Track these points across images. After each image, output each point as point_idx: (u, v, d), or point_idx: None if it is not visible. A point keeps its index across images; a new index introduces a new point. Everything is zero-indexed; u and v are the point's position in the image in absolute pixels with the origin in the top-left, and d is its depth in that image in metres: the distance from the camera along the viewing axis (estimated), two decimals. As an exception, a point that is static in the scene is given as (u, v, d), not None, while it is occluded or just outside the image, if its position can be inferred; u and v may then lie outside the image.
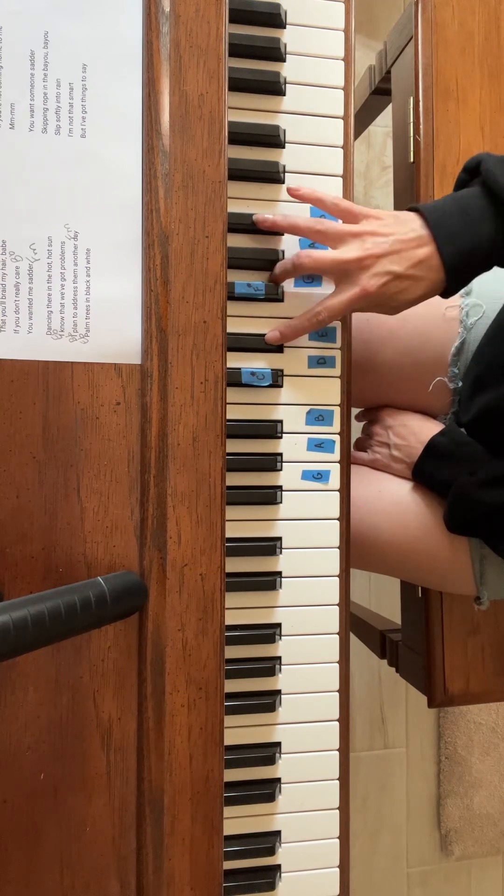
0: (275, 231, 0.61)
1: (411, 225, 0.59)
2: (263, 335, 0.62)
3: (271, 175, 0.61)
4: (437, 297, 0.76)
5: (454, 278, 0.59)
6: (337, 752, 0.64)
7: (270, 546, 0.62)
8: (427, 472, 0.74)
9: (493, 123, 0.92)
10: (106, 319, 0.47)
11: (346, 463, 0.64)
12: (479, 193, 0.59)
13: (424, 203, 0.60)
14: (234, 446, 0.61)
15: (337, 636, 0.64)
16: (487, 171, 0.58)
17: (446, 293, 0.62)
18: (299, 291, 0.63)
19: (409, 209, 0.61)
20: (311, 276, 0.63)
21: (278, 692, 0.62)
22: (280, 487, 0.62)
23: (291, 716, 0.63)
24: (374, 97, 1.11)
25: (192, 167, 0.48)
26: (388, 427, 0.79)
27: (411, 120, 0.91)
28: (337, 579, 0.64)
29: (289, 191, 0.60)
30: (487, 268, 0.61)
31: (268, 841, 0.62)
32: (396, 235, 0.58)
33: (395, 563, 0.83)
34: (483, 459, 0.71)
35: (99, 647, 0.46)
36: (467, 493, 0.69)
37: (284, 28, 0.61)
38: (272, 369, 0.62)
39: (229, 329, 0.56)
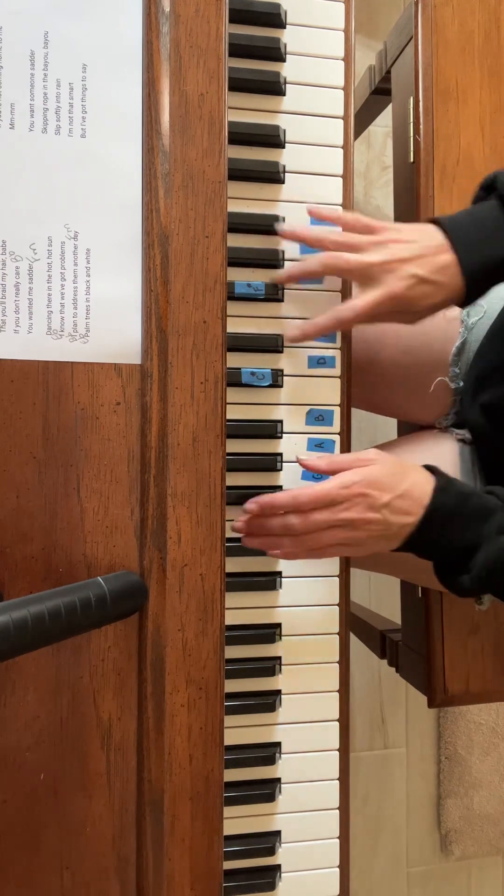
0: (294, 240, 0.61)
1: (431, 234, 0.60)
2: (263, 335, 0.62)
3: (271, 175, 0.61)
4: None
5: (472, 286, 0.60)
6: (337, 752, 0.64)
7: (270, 546, 0.62)
8: (430, 538, 0.60)
9: (493, 123, 0.92)
10: (106, 319, 0.47)
11: (346, 463, 0.64)
12: (495, 206, 0.60)
13: (442, 215, 0.61)
14: (234, 446, 0.61)
15: (337, 636, 0.64)
16: (501, 183, 0.60)
17: (464, 302, 0.62)
18: (300, 291, 0.63)
19: (428, 221, 0.62)
20: (311, 275, 0.63)
21: (278, 692, 0.62)
22: (280, 487, 0.62)
23: (291, 716, 0.63)
24: (374, 97, 1.11)
25: (192, 167, 0.48)
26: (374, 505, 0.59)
27: (411, 120, 0.91)
28: (337, 579, 0.64)
29: (309, 212, 0.61)
30: (503, 278, 0.62)
31: (268, 841, 0.62)
32: (419, 242, 0.59)
33: (394, 562, 0.83)
34: (493, 507, 0.60)
35: (99, 647, 0.46)
36: None
37: (284, 28, 0.61)
38: (272, 369, 0.62)
39: (229, 329, 0.56)
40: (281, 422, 0.62)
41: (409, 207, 0.94)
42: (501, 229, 0.59)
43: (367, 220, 0.61)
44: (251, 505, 0.58)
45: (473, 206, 0.62)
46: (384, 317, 0.61)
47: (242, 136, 0.60)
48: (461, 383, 0.78)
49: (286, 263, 0.62)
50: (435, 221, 0.61)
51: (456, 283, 0.59)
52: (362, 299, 0.59)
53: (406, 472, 0.59)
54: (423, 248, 0.59)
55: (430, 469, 0.61)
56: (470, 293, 0.60)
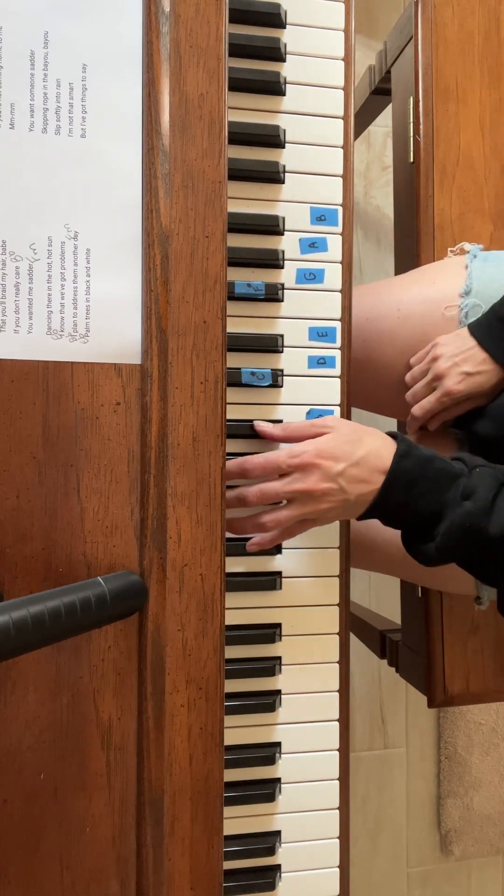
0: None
1: (466, 339, 0.72)
2: (263, 335, 0.62)
3: (271, 175, 0.61)
4: (436, 297, 0.76)
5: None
6: (337, 752, 0.64)
7: (270, 546, 0.62)
8: (392, 504, 0.59)
9: (493, 123, 0.92)
10: (106, 319, 0.47)
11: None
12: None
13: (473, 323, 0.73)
14: (234, 446, 0.61)
15: (337, 636, 0.64)
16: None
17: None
18: (300, 291, 0.63)
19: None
20: (311, 273, 0.63)
21: (278, 692, 0.62)
22: (280, 487, 0.62)
23: (291, 716, 0.63)
24: (374, 97, 1.11)
25: (192, 167, 0.48)
26: (332, 474, 0.58)
27: (411, 120, 0.91)
28: (337, 579, 0.64)
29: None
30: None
31: (268, 841, 0.62)
32: (459, 345, 0.72)
33: (395, 562, 0.83)
34: (456, 472, 0.60)
35: (99, 647, 0.46)
36: (479, 525, 0.57)
37: (284, 28, 0.61)
38: (272, 369, 0.62)
39: (229, 329, 0.56)
40: (281, 422, 0.62)
41: (409, 207, 0.94)
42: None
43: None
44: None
45: (496, 306, 0.72)
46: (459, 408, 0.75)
47: (242, 136, 0.60)
48: (461, 383, 0.78)
49: (286, 263, 0.62)
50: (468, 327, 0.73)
51: (496, 370, 0.71)
52: (427, 400, 0.75)
53: (362, 438, 0.59)
54: (463, 352, 0.72)
55: (393, 435, 0.61)
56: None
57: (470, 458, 0.61)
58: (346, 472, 0.58)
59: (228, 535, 0.60)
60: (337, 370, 0.64)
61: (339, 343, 0.64)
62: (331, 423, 0.60)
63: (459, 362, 0.72)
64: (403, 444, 0.60)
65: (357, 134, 1.30)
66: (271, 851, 0.62)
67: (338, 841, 0.64)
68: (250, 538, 0.61)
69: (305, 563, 0.63)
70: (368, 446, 0.59)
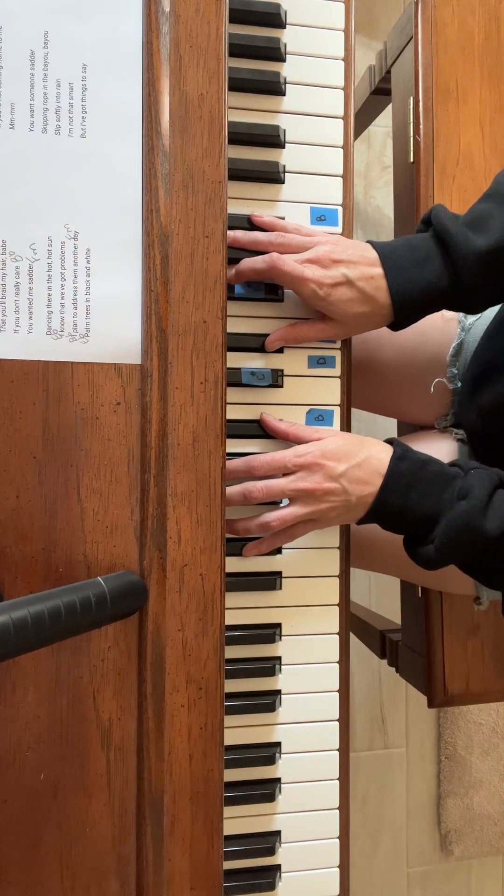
0: (232, 245, 0.60)
1: (366, 249, 0.60)
2: (263, 335, 0.62)
3: (271, 175, 0.61)
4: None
5: (399, 308, 0.60)
6: (337, 752, 0.64)
7: (270, 546, 0.62)
8: (391, 507, 0.60)
9: (493, 123, 0.92)
10: (106, 319, 0.47)
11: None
12: (428, 237, 0.61)
13: (377, 241, 0.62)
14: (234, 446, 0.61)
15: (337, 636, 0.64)
16: (436, 217, 0.60)
17: (394, 326, 0.62)
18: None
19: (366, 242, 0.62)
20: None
21: (278, 692, 0.62)
22: (280, 487, 0.62)
23: (291, 716, 0.63)
24: (374, 97, 1.11)
25: (192, 167, 0.48)
26: (332, 475, 0.59)
27: (411, 120, 0.91)
28: (337, 579, 0.64)
29: (251, 218, 0.61)
30: (434, 309, 0.62)
31: (268, 841, 0.62)
32: (354, 251, 0.60)
33: (395, 562, 0.83)
34: (452, 475, 0.60)
35: (99, 647, 0.46)
36: (475, 524, 0.57)
37: (284, 28, 0.61)
38: (272, 369, 0.62)
39: (229, 329, 0.56)
40: (281, 421, 0.62)
41: (409, 207, 0.94)
42: (432, 258, 0.60)
43: (305, 227, 0.62)
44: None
45: (409, 236, 0.63)
46: (311, 330, 0.61)
47: (242, 136, 0.60)
48: (459, 384, 0.78)
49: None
50: (370, 242, 0.62)
51: (382, 299, 0.59)
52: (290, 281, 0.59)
53: (363, 443, 0.61)
54: (356, 257, 0.59)
55: (390, 441, 0.62)
56: (399, 315, 0.61)
57: (465, 462, 0.62)
58: (348, 472, 0.59)
59: (229, 535, 0.61)
60: (337, 370, 0.64)
61: (338, 343, 0.64)
62: (333, 431, 0.62)
63: (344, 261, 0.59)
64: (399, 447, 0.61)
65: (357, 134, 1.30)
66: (271, 851, 0.62)
67: (338, 841, 0.64)
68: (252, 539, 0.61)
69: (305, 563, 0.63)
70: (369, 450, 0.60)
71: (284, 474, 0.59)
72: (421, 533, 0.60)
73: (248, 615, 0.62)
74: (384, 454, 0.60)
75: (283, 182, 0.62)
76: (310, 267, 0.58)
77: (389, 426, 1.19)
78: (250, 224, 0.61)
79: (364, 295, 0.59)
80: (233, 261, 0.60)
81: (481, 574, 0.62)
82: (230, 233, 0.59)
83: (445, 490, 0.59)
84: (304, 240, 0.60)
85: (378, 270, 0.59)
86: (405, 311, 0.61)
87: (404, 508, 0.59)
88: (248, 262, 0.59)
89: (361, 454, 0.59)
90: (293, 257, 0.59)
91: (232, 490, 0.59)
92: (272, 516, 0.59)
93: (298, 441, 0.61)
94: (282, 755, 0.63)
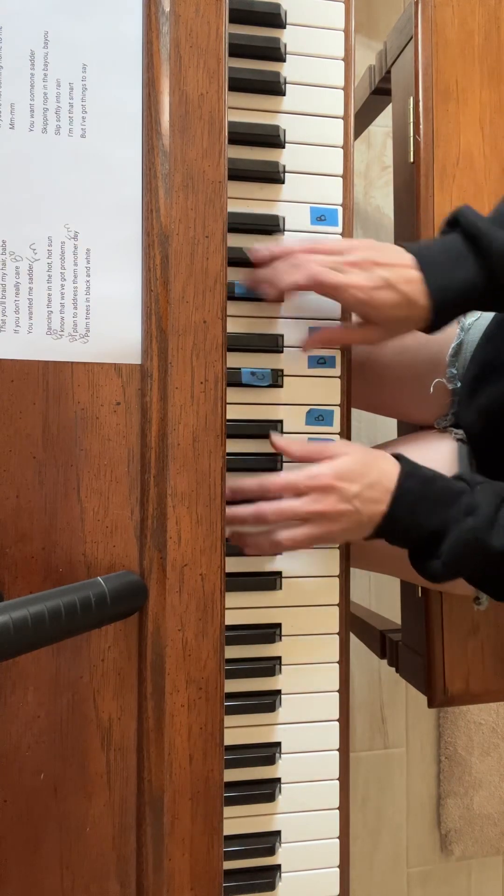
0: (266, 260, 0.61)
1: (401, 252, 0.60)
2: (263, 335, 0.62)
3: (271, 175, 0.61)
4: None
5: (439, 308, 0.60)
6: (337, 752, 0.64)
7: (270, 546, 0.62)
8: (400, 524, 0.60)
9: (493, 123, 0.92)
10: (106, 319, 0.47)
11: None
12: (457, 238, 0.60)
13: (408, 242, 0.62)
14: (234, 446, 0.61)
15: (337, 636, 0.64)
16: (464, 217, 0.60)
17: (431, 326, 0.61)
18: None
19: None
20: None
21: (278, 692, 0.62)
22: (280, 487, 0.62)
23: (291, 716, 0.63)
24: (374, 97, 1.11)
25: (192, 167, 0.48)
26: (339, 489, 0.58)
27: (411, 120, 0.91)
28: (337, 579, 0.64)
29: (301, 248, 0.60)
30: (467, 310, 0.62)
31: (268, 841, 0.62)
32: (391, 254, 0.60)
33: (395, 562, 0.83)
34: (459, 490, 0.61)
35: (99, 647, 0.46)
36: (482, 540, 0.58)
37: (284, 28, 0.61)
38: (272, 369, 0.62)
39: (229, 329, 0.56)
40: (281, 422, 0.62)
41: (409, 207, 0.94)
42: (465, 257, 0.59)
43: (343, 240, 0.62)
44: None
45: (437, 237, 0.62)
46: (354, 335, 0.62)
47: (242, 136, 0.60)
48: (459, 384, 0.78)
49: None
50: (401, 245, 0.62)
51: (422, 301, 0.59)
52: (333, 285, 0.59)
53: (375, 460, 0.60)
54: (394, 259, 0.59)
55: (397, 457, 0.62)
56: (437, 316, 0.60)
57: (471, 477, 0.62)
58: (361, 493, 0.59)
59: (235, 544, 0.61)
60: (337, 370, 0.64)
61: (339, 343, 0.64)
62: (343, 448, 0.61)
63: (384, 264, 0.59)
64: (407, 464, 0.61)
65: (357, 134, 1.30)
66: (271, 851, 0.62)
67: (338, 841, 0.64)
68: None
69: (305, 563, 0.63)
70: (380, 468, 0.60)
71: (297, 495, 0.59)
72: (428, 548, 0.61)
73: (248, 615, 0.62)
74: (393, 471, 0.60)
75: (283, 182, 0.62)
76: (351, 272, 0.58)
77: (389, 426, 1.19)
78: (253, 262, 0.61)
79: (405, 298, 0.59)
80: (233, 262, 0.60)
81: (488, 587, 0.63)
82: (257, 249, 0.60)
83: (452, 506, 0.59)
84: (336, 245, 0.60)
85: (416, 273, 0.59)
86: (443, 313, 0.60)
87: (412, 525, 0.60)
88: (288, 280, 0.58)
89: (374, 473, 0.59)
90: (328, 260, 0.59)
91: (245, 510, 0.59)
92: (285, 535, 0.59)
93: (310, 461, 0.60)
94: (282, 755, 0.63)
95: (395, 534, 0.61)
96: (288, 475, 0.59)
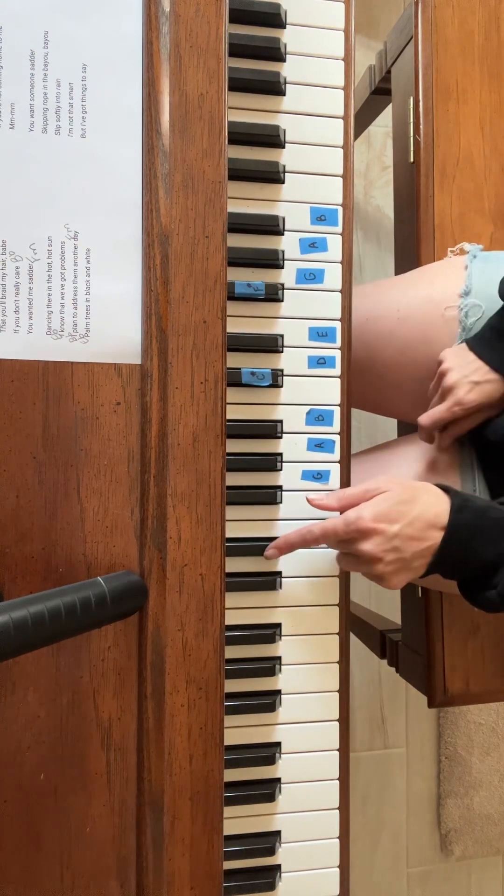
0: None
1: (466, 353, 0.71)
2: (263, 335, 0.62)
3: (271, 175, 0.61)
4: (436, 297, 0.75)
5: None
6: (337, 752, 0.64)
7: (270, 546, 0.62)
8: (453, 558, 0.60)
9: (493, 123, 0.92)
10: (106, 319, 0.47)
11: (346, 463, 0.64)
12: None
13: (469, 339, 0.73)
14: (234, 446, 0.61)
15: (337, 636, 0.64)
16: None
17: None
18: (300, 291, 0.63)
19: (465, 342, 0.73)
20: (311, 273, 0.63)
21: (278, 692, 0.62)
22: (280, 487, 0.62)
23: (291, 716, 0.63)
24: (374, 97, 1.11)
25: (192, 167, 0.48)
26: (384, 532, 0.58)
27: (411, 120, 0.91)
28: (337, 579, 0.64)
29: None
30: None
31: (268, 841, 0.62)
32: (463, 358, 0.71)
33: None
34: None
35: (99, 647, 0.46)
36: None
37: (284, 28, 0.61)
38: (272, 369, 0.62)
39: (229, 329, 0.56)
40: (281, 422, 0.62)
41: (409, 207, 0.94)
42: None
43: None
44: (271, 552, 0.61)
45: (494, 319, 0.72)
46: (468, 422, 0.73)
47: (242, 136, 0.60)
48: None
49: (286, 263, 0.62)
50: (465, 342, 0.72)
51: (500, 380, 0.70)
52: (437, 409, 0.72)
53: (416, 496, 0.59)
54: (475, 372, 0.71)
55: (444, 488, 0.61)
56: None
57: None
58: (401, 532, 0.58)
59: (228, 535, 0.61)
60: (337, 370, 0.64)
61: (339, 343, 0.64)
62: (384, 485, 0.60)
63: (468, 373, 0.71)
64: (458, 497, 0.60)
65: (357, 134, 1.30)
66: (271, 851, 0.62)
67: (338, 841, 0.64)
68: (252, 539, 0.61)
69: (305, 563, 0.63)
70: (422, 503, 0.59)
71: (337, 542, 0.60)
72: (482, 579, 0.60)
73: (248, 615, 0.62)
74: (439, 505, 0.59)
75: (283, 182, 0.62)
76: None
77: (389, 426, 1.19)
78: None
79: (491, 382, 0.71)
80: (233, 263, 0.60)
81: None
82: (301, 533, 0.61)
83: None
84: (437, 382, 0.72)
85: (493, 376, 0.71)
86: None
87: (466, 559, 0.59)
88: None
89: (414, 510, 0.59)
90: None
91: (292, 538, 0.61)
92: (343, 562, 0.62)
93: (347, 509, 0.60)
94: (282, 755, 0.63)
95: (448, 568, 0.60)
96: (326, 523, 0.59)
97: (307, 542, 0.60)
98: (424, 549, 0.59)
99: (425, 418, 0.73)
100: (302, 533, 0.60)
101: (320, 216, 0.63)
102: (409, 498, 0.59)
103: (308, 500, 0.61)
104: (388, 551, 0.58)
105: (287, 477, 0.63)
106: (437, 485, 0.62)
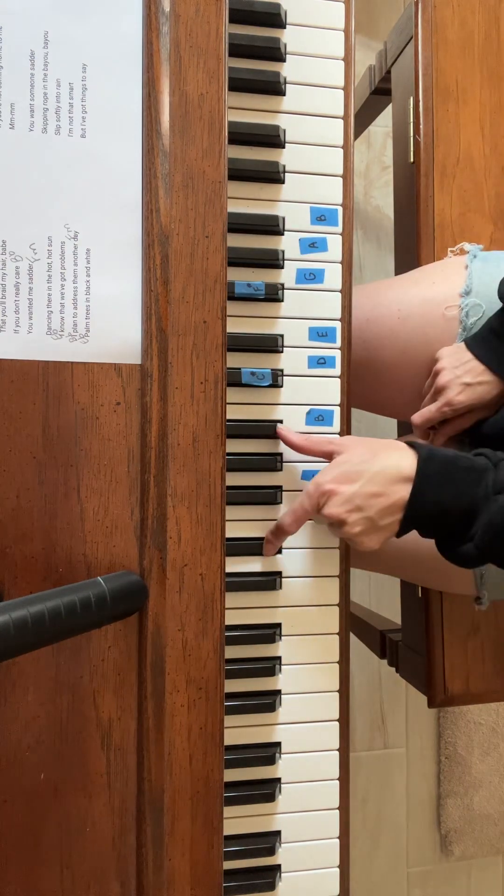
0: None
1: (464, 353, 0.72)
2: (263, 335, 0.62)
3: (271, 175, 0.61)
4: (436, 297, 0.74)
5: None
6: (337, 752, 0.64)
7: (270, 546, 0.62)
8: (427, 510, 0.59)
9: (493, 123, 0.92)
10: (106, 319, 0.47)
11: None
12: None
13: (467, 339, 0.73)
14: (234, 446, 0.61)
15: (337, 636, 0.64)
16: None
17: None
18: (300, 291, 0.63)
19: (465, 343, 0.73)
20: (311, 273, 0.63)
21: (278, 692, 0.62)
22: (280, 487, 0.62)
23: (291, 716, 0.63)
24: (374, 97, 1.11)
25: (192, 167, 0.48)
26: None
27: (411, 120, 0.91)
28: (337, 579, 0.64)
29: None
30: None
31: (268, 841, 0.62)
32: (459, 357, 0.72)
33: (395, 562, 0.83)
34: (482, 468, 0.59)
35: (99, 647, 0.46)
36: None
37: (284, 28, 0.61)
38: (272, 369, 0.62)
39: (229, 329, 0.56)
40: (281, 422, 0.62)
41: (409, 207, 0.94)
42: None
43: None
44: (267, 547, 0.63)
45: (492, 321, 0.71)
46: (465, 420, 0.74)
47: (242, 136, 0.60)
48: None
49: (286, 263, 0.62)
50: (465, 341, 0.72)
51: (496, 381, 0.71)
52: (428, 408, 0.74)
53: (376, 454, 0.59)
54: (466, 365, 0.72)
55: (411, 444, 0.61)
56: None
57: (492, 453, 0.61)
58: (360, 490, 0.58)
59: (228, 535, 0.61)
60: (337, 370, 0.64)
61: (339, 343, 0.64)
62: (347, 442, 0.61)
63: (460, 374, 0.72)
64: (425, 449, 0.60)
65: (357, 134, 1.30)
66: (271, 851, 0.62)
67: (338, 841, 0.64)
68: (252, 539, 0.61)
69: (305, 563, 0.63)
70: (383, 459, 0.59)
71: (315, 509, 0.60)
72: (457, 532, 0.59)
73: (248, 615, 0.62)
74: (404, 460, 0.59)
75: (283, 182, 0.62)
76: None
77: (389, 426, 1.19)
78: None
79: (486, 384, 0.72)
80: (233, 263, 0.60)
81: None
82: (274, 528, 0.62)
83: (479, 484, 0.57)
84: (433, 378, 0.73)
85: (483, 368, 0.71)
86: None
87: (438, 509, 0.58)
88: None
89: (374, 467, 0.58)
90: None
91: (271, 533, 0.62)
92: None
93: (311, 454, 0.62)
94: (282, 755, 0.63)
95: (423, 521, 0.59)
96: (293, 505, 0.61)
97: (290, 523, 0.60)
98: (391, 504, 0.58)
99: (417, 417, 0.75)
100: (283, 517, 0.61)
101: (320, 216, 0.63)
102: (368, 457, 0.59)
103: (278, 429, 0.62)
104: (350, 511, 0.58)
105: (287, 477, 0.63)
106: (406, 442, 0.61)
